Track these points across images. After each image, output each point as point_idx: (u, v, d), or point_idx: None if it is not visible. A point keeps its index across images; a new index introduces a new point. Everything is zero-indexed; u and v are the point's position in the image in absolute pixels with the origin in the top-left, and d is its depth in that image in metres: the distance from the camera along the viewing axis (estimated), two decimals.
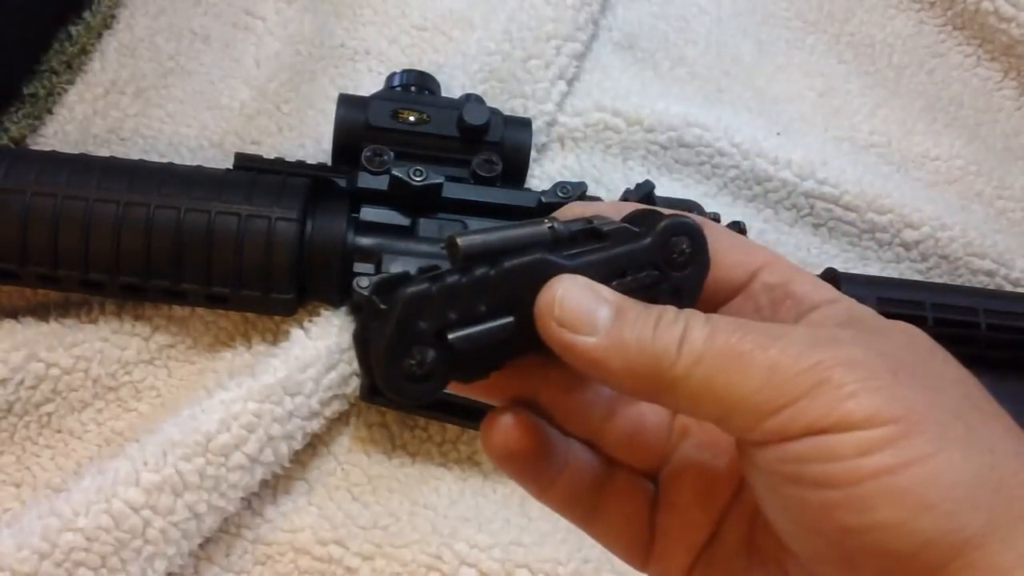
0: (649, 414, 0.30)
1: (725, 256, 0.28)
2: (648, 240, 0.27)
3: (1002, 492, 0.22)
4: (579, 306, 0.25)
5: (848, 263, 0.65)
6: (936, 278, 0.65)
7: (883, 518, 0.22)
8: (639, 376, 0.24)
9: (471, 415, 0.53)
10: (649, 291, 0.27)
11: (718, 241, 0.28)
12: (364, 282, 0.53)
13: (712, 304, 0.29)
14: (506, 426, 0.27)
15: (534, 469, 0.28)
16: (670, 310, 0.25)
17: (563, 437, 0.29)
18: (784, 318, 0.27)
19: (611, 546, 0.30)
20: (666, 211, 0.28)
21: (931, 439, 0.22)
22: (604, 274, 0.26)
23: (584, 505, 0.29)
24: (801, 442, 0.22)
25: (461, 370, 0.26)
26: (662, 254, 0.27)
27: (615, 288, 0.26)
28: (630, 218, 0.28)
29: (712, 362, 0.23)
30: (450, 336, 0.25)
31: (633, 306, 0.25)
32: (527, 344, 0.26)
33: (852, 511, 0.22)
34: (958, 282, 0.65)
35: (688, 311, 0.25)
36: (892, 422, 0.22)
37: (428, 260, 0.54)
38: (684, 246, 0.27)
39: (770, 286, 0.28)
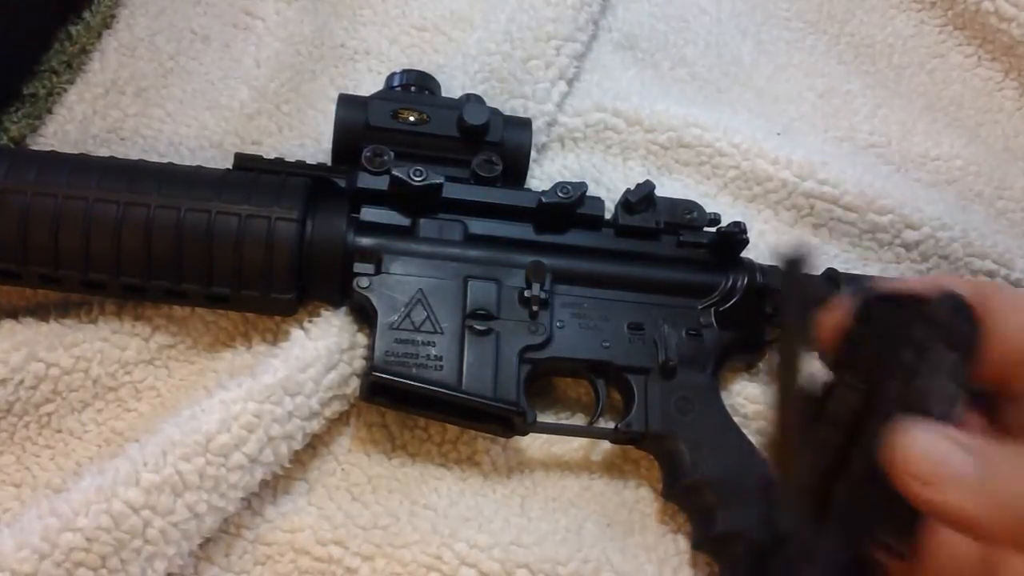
0: None
1: (1011, 325, 0.25)
2: (926, 327, 0.24)
3: None
4: (934, 458, 0.22)
5: (848, 264, 0.65)
6: None
7: None
8: (1019, 530, 0.21)
9: (471, 415, 0.53)
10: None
11: (1001, 307, 0.25)
12: (364, 282, 0.53)
13: (1000, 383, 0.26)
14: None
15: None
16: None
17: None
18: None
19: None
20: (901, 292, 0.25)
21: None
22: (916, 392, 0.24)
23: None
24: None
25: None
26: (942, 338, 0.24)
27: (933, 401, 0.23)
28: (872, 312, 0.25)
29: None
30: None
31: (997, 451, 0.22)
32: (898, 509, 0.24)
33: None
34: None
35: None
36: None
37: (428, 260, 0.54)
38: (962, 327, 0.24)
39: None
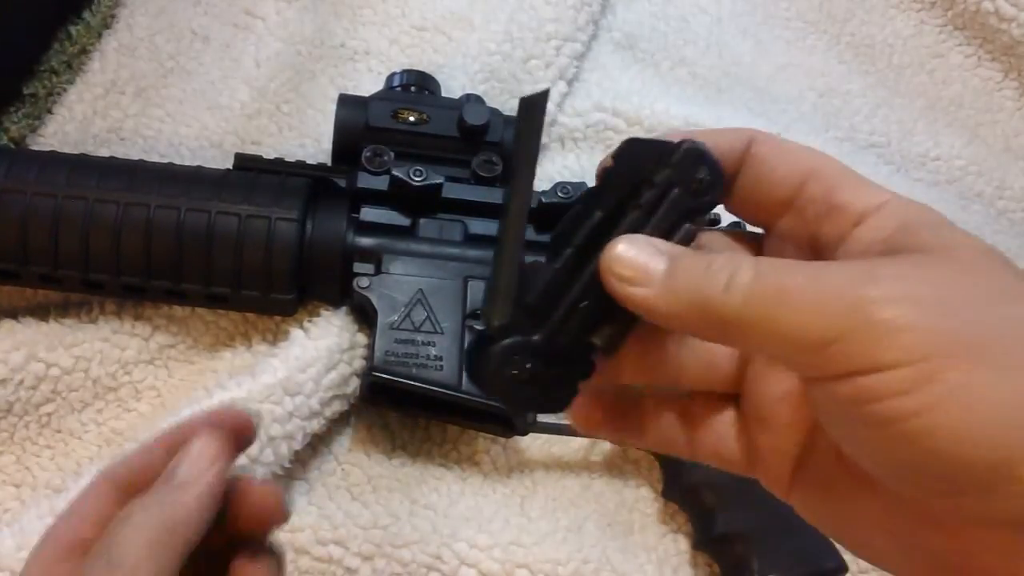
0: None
1: (772, 170, 0.29)
2: (669, 172, 0.28)
3: None
4: (635, 261, 0.26)
5: None
6: None
7: (928, 451, 0.22)
8: (694, 319, 0.26)
9: (471, 415, 0.53)
10: (676, 223, 0.28)
11: (765, 153, 0.29)
12: (364, 282, 0.53)
13: (765, 223, 0.30)
14: (582, 407, 0.31)
15: (617, 432, 0.32)
16: (721, 256, 0.26)
17: (640, 399, 0.31)
18: (830, 235, 0.28)
19: (716, 465, 0.32)
20: (672, 138, 0.29)
21: (967, 372, 0.22)
22: (640, 221, 0.28)
23: (681, 441, 0.31)
24: (844, 382, 0.23)
25: (566, 366, 0.28)
26: (681, 183, 0.28)
27: (651, 228, 0.28)
28: (629, 154, 0.29)
29: (758, 303, 0.24)
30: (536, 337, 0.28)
31: (685, 255, 0.26)
32: (609, 316, 0.28)
33: (894, 448, 0.23)
34: None
35: (738, 255, 0.26)
36: (925, 360, 0.22)
37: (428, 260, 0.54)
38: (703, 175, 0.28)
39: (815, 199, 0.28)
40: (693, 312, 0.25)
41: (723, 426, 0.31)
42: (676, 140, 0.28)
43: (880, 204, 0.27)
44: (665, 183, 0.28)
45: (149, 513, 0.29)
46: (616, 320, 0.28)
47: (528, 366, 0.28)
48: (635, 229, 0.27)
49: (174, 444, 0.32)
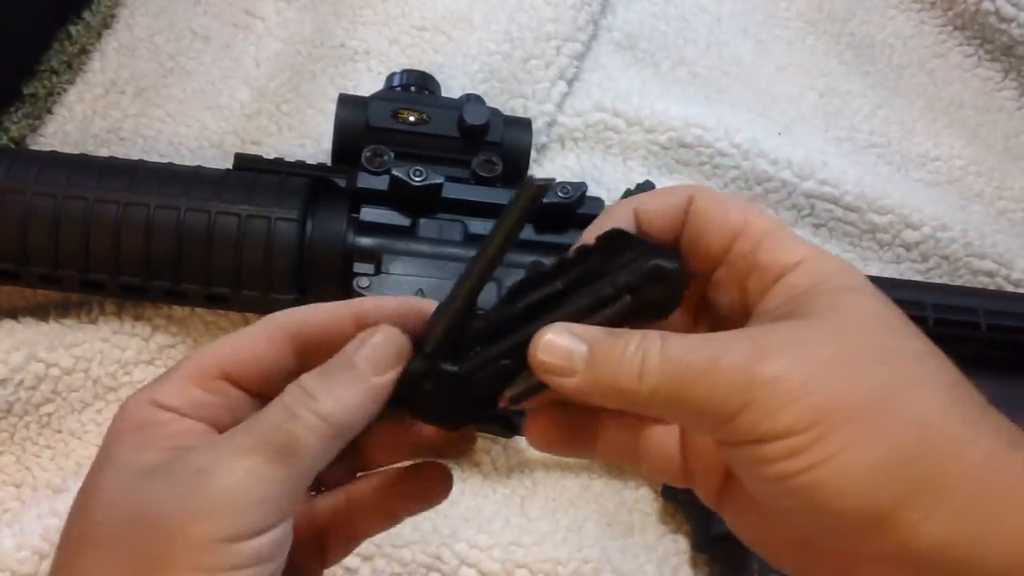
0: None
1: (708, 222, 0.31)
2: (630, 279, 0.29)
3: (920, 463, 0.26)
4: (558, 353, 0.29)
5: None
6: (936, 279, 0.65)
7: (812, 504, 0.27)
8: (615, 400, 0.29)
9: None
10: (624, 317, 0.29)
11: (702, 210, 0.31)
12: (364, 282, 0.53)
13: (704, 273, 0.32)
14: (538, 426, 0.33)
15: (571, 447, 0.34)
16: (634, 339, 0.28)
17: (593, 413, 0.34)
18: (754, 289, 0.31)
19: (659, 476, 0.35)
20: (644, 242, 0.30)
21: (844, 435, 0.26)
22: (585, 310, 0.29)
23: (628, 454, 0.35)
24: (743, 448, 0.27)
25: (476, 396, 0.31)
26: (636, 293, 0.29)
27: (593, 320, 0.29)
28: (609, 243, 0.30)
29: (667, 388, 0.28)
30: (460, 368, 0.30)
31: (603, 341, 0.29)
32: (524, 376, 0.30)
33: (789, 498, 0.27)
34: (958, 283, 0.65)
35: (649, 336, 0.28)
36: (808, 428, 0.26)
37: (428, 260, 0.54)
38: (660, 294, 0.29)
39: (743, 256, 0.31)
40: (613, 396, 0.28)
41: (666, 442, 0.34)
42: (647, 238, 0.30)
43: (797, 262, 0.30)
44: (623, 287, 0.29)
45: (333, 399, 0.30)
46: (528, 382, 0.30)
47: (437, 387, 0.30)
48: (578, 315, 0.29)
49: (362, 316, 0.32)
